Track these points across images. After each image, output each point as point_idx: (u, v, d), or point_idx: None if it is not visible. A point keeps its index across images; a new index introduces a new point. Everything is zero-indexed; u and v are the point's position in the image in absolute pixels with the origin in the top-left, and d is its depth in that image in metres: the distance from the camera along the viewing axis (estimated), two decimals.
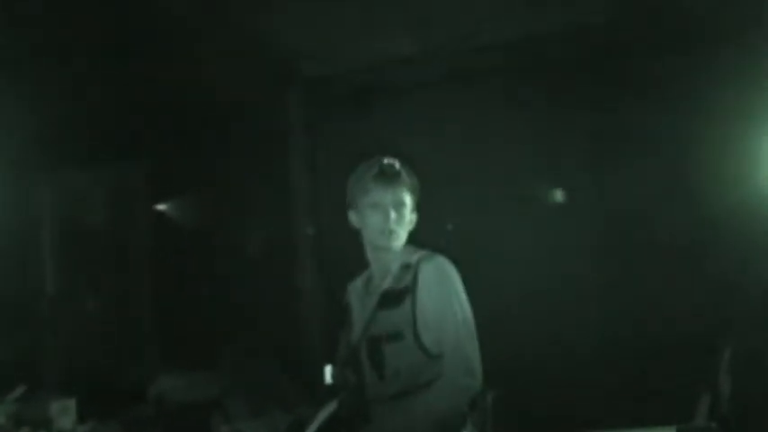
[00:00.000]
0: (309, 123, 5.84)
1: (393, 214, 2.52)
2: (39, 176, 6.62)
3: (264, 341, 5.67)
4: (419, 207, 2.62)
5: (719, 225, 4.67)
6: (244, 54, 5.57)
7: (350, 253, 2.70)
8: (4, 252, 5.96)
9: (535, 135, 5.16)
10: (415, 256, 2.54)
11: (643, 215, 4.97)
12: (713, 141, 4.62)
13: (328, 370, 5.14)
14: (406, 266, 2.51)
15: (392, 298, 2.48)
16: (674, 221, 4.88)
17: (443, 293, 2.46)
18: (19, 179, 6.15)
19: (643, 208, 4.96)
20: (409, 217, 2.58)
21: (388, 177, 2.54)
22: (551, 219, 5.37)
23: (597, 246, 5.10)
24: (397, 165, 2.57)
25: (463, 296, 2.50)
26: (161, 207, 6.71)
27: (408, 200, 2.56)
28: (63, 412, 4.52)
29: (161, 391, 5.35)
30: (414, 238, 2.62)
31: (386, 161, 2.57)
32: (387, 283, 2.52)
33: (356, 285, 2.66)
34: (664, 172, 4.86)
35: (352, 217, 2.61)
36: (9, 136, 5.56)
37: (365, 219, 2.55)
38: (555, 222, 5.33)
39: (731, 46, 4.50)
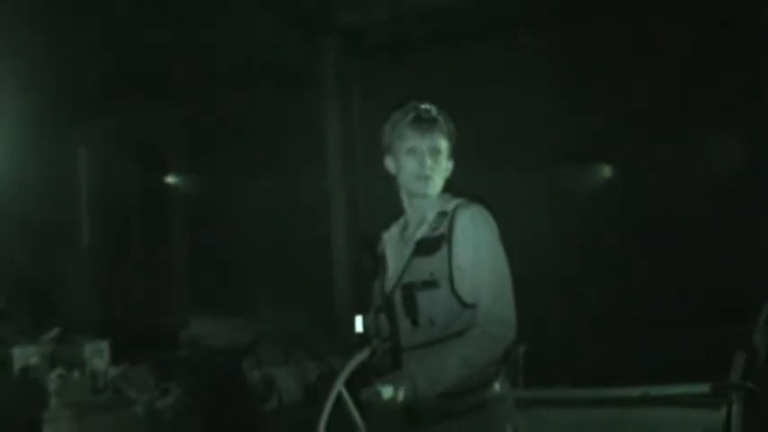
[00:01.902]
0: (344, 72, 5.78)
1: (429, 161, 2.48)
2: (72, 129, 6.66)
3: (296, 290, 5.69)
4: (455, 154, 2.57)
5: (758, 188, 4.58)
6: (280, 2, 5.52)
7: (384, 201, 2.67)
8: (41, 203, 6.02)
9: (577, 87, 5.06)
10: (451, 203, 2.49)
11: (681, 177, 4.88)
12: None
13: (359, 320, 5.17)
14: (442, 214, 2.47)
15: (428, 245, 2.45)
16: (714, 184, 4.80)
17: (480, 242, 2.42)
18: (53, 132, 6.19)
19: (682, 169, 4.87)
20: (445, 164, 2.53)
21: (426, 123, 2.49)
22: (587, 175, 5.30)
23: (634, 204, 5.03)
24: (435, 110, 2.51)
25: (500, 245, 2.46)
26: (194, 155, 6.72)
27: (445, 147, 2.51)
28: (96, 354, 4.59)
29: (193, 336, 5.40)
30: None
31: (423, 106, 2.51)
32: (422, 231, 2.49)
33: (391, 233, 2.62)
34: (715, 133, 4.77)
35: (388, 162, 2.57)
36: (39, 92, 5.58)
37: (401, 164, 2.51)
38: (591, 179, 5.25)
39: None
